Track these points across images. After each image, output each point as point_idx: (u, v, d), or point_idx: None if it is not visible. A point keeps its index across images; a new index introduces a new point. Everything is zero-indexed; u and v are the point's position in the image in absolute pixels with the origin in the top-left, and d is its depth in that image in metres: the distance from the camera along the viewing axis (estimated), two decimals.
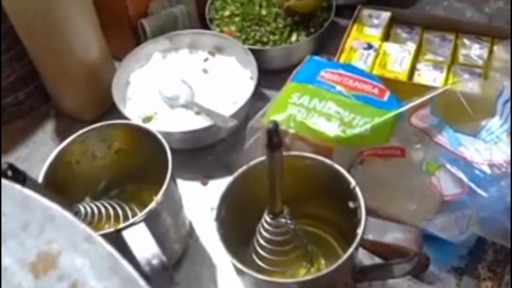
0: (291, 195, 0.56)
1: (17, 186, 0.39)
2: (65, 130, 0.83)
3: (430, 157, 0.62)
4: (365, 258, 0.64)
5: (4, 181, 0.39)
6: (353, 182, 0.55)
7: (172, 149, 0.61)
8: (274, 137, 0.46)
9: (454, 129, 0.62)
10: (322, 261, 0.63)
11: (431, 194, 0.61)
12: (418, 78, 0.74)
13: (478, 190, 0.58)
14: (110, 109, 0.82)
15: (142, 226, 0.55)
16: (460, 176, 0.59)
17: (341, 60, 0.77)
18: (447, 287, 0.63)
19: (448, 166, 0.60)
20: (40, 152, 0.82)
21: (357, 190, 0.54)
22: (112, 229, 0.55)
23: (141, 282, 0.35)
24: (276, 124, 0.45)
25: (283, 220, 0.55)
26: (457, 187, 0.60)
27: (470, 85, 0.64)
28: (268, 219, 0.55)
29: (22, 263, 0.35)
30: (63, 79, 0.80)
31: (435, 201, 0.62)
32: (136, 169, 0.69)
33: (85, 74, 0.80)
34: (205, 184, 0.75)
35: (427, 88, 0.71)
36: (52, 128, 0.85)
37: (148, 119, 0.77)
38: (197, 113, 0.76)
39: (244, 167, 0.58)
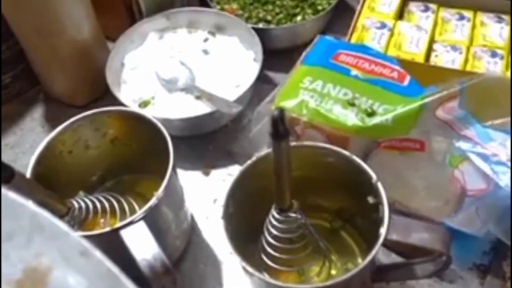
0: (302, 187, 0.51)
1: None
2: (55, 116, 0.78)
3: (454, 148, 0.57)
4: (381, 255, 0.60)
5: None
6: (374, 177, 0.50)
7: (170, 137, 0.56)
8: (280, 126, 0.41)
9: (483, 125, 0.56)
10: (335, 259, 0.58)
11: (453, 189, 0.57)
12: (435, 60, 0.69)
13: (507, 189, 0.53)
14: (104, 93, 0.76)
15: (142, 225, 0.50)
16: (487, 171, 0.54)
17: (353, 40, 0.71)
18: (469, 286, 0.59)
19: (474, 159, 0.55)
20: (28, 139, 0.77)
21: (379, 185, 0.49)
22: (109, 229, 0.50)
23: None
24: (282, 111, 0.40)
25: (292, 215, 0.50)
26: (482, 182, 0.55)
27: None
28: (276, 215, 0.50)
29: (6, 281, 0.30)
30: (52, 61, 0.75)
31: (456, 196, 0.57)
32: (132, 159, 0.64)
33: (76, 56, 0.74)
34: (207, 174, 0.70)
35: (447, 71, 0.66)
36: (41, 114, 0.80)
37: (144, 104, 0.71)
38: (198, 97, 0.71)
39: (252, 159, 0.53)
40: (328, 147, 0.53)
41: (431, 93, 0.58)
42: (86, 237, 0.51)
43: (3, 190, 0.34)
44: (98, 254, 0.31)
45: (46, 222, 0.33)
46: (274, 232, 0.51)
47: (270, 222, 0.51)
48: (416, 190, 0.59)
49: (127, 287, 0.30)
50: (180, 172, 0.68)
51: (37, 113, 0.80)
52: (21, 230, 0.32)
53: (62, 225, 0.32)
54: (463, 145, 0.57)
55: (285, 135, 0.42)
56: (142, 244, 0.49)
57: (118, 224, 0.50)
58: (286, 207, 0.49)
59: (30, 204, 0.33)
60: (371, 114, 0.58)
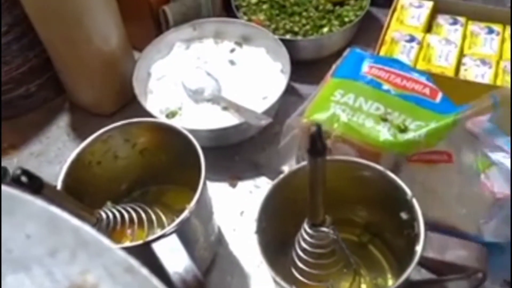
0: (332, 200, 0.51)
1: (40, 202, 0.33)
2: (81, 125, 0.78)
3: (481, 154, 0.56)
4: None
5: (20, 193, 0.34)
6: (409, 193, 0.49)
7: None
8: (318, 142, 0.40)
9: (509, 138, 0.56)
10: (364, 274, 0.57)
11: (482, 195, 0.56)
12: (465, 73, 0.68)
13: None
14: (129, 103, 0.76)
15: (174, 238, 0.50)
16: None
17: (381, 53, 0.71)
18: None
19: (501, 164, 0.55)
20: (54, 147, 0.77)
21: (414, 201, 0.49)
22: (141, 242, 0.50)
23: None
24: (320, 127, 0.40)
25: (325, 230, 0.50)
26: (509, 187, 0.55)
27: None
28: (309, 230, 0.50)
29: None
30: (79, 70, 0.75)
31: (486, 202, 0.56)
32: (161, 170, 0.64)
33: (103, 65, 0.74)
34: (233, 186, 0.70)
35: (478, 86, 0.66)
36: (67, 122, 0.80)
37: (172, 114, 0.71)
38: (225, 108, 0.71)
39: (284, 173, 0.53)
40: (361, 162, 0.52)
41: (464, 110, 0.57)
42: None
43: (43, 203, 0.34)
44: (144, 271, 0.31)
45: (89, 237, 0.32)
46: (305, 246, 0.50)
47: (302, 236, 0.51)
48: (445, 201, 0.58)
49: None
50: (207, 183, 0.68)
51: (62, 122, 0.80)
52: (65, 245, 0.32)
53: (105, 240, 0.32)
54: (490, 151, 0.56)
55: (323, 151, 0.41)
56: (174, 257, 0.49)
57: (151, 237, 0.50)
58: (319, 222, 0.49)
59: (72, 219, 0.33)
60: (404, 130, 0.57)
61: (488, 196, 0.56)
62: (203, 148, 0.70)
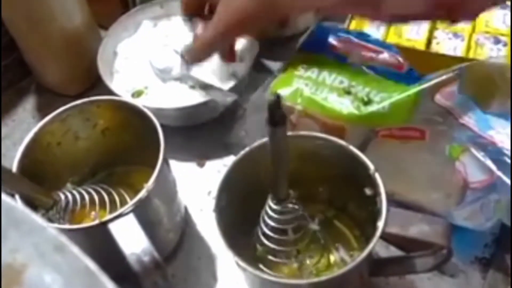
0: (298, 179, 0.50)
1: None
2: (47, 106, 0.76)
3: (454, 139, 0.55)
4: (379, 248, 0.58)
5: None
6: (372, 167, 0.48)
7: (164, 127, 0.54)
8: (277, 112, 0.39)
9: (484, 110, 0.54)
10: (332, 248, 0.56)
11: (455, 181, 0.55)
12: (436, 47, 0.67)
13: (507, 180, 0.51)
14: (98, 83, 0.74)
15: (131, 218, 0.49)
16: (488, 163, 0.53)
17: (352, 28, 0.69)
18: (471, 280, 0.57)
19: (474, 150, 0.54)
20: (20, 130, 0.75)
21: (377, 176, 0.47)
22: (96, 222, 0.48)
23: None
24: (278, 96, 0.38)
25: (289, 205, 0.48)
26: (484, 174, 0.53)
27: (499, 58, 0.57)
28: (273, 205, 0.48)
29: None
30: (43, 50, 0.73)
31: (459, 189, 0.55)
32: (124, 150, 0.62)
33: (68, 44, 0.72)
34: (201, 165, 0.68)
35: (448, 59, 0.64)
36: (33, 104, 0.78)
37: (137, 94, 0.69)
38: (192, 87, 0.69)
39: (245, 149, 0.51)
40: (323, 137, 0.51)
41: (429, 79, 0.56)
42: (73, 230, 0.50)
43: None
44: (75, 249, 0.29)
45: (22, 217, 0.31)
46: (271, 223, 0.49)
47: (267, 213, 0.49)
48: (417, 181, 0.57)
49: (106, 285, 0.29)
50: (173, 163, 0.66)
51: (29, 104, 0.78)
52: None
53: (39, 219, 0.31)
54: (463, 134, 0.55)
55: (282, 121, 0.40)
56: (131, 238, 0.48)
57: (107, 217, 0.49)
58: (283, 197, 0.48)
59: (6, 199, 0.31)
60: (367, 102, 0.56)
61: (461, 182, 0.55)
62: (170, 127, 0.68)
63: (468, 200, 0.54)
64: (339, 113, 0.55)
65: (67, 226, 0.50)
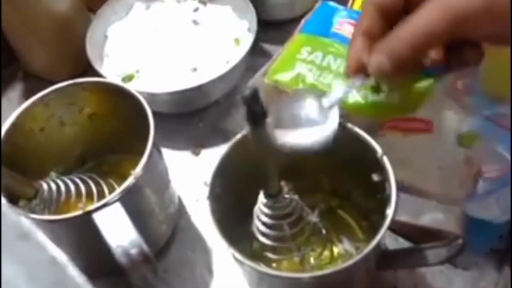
0: (299, 168, 0.46)
1: None
2: (35, 94, 0.72)
3: (465, 127, 0.51)
4: (387, 239, 0.54)
5: None
6: (379, 151, 0.44)
7: (158, 114, 0.51)
8: (255, 107, 0.35)
9: (497, 103, 0.50)
10: (336, 240, 0.53)
11: (468, 172, 0.51)
12: None
13: None
14: (88, 69, 0.70)
15: (118, 207, 0.45)
16: (502, 151, 0.49)
17: (356, 7, 0.65)
18: (485, 273, 0.53)
19: (488, 137, 0.50)
20: (5, 119, 0.71)
21: (385, 160, 0.44)
22: (80, 212, 0.45)
23: None
24: (255, 91, 0.34)
25: (283, 199, 0.44)
26: (499, 162, 0.49)
27: None
28: (266, 202, 0.44)
29: None
30: (29, 34, 0.69)
31: (472, 178, 0.51)
32: (114, 138, 0.59)
33: (55, 28, 0.68)
34: (196, 154, 0.64)
35: None
36: (20, 91, 0.74)
37: (128, 78, 0.66)
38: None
39: (240, 134, 0.47)
40: None
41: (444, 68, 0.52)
42: (55, 221, 0.46)
43: None
44: (40, 238, 0.25)
45: None
46: (264, 219, 0.45)
47: (260, 209, 0.45)
48: (426, 173, 0.53)
49: (75, 280, 0.25)
50: (167, 151, 0.63)
51: (15, 92, 0.74)
52: None
53: (3, 207, 0.27)
54: (474, 121, 0.51)
55: (262, 117, 0.36)
56: (117, 229, 0.44)
57: (91, 207, 0.45)
58: (275, 193, 0.44)
59: None
60: (375, 90, 0.52)
61: (475, 172, 0.51)
62: (164, 115, 0.64)
63: (483, 191, 0.50)
64: (345, 101, 0.51)
65: (48, 217, 0.46)
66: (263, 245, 0.47)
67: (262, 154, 0.40)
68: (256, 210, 0.46)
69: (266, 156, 0.40)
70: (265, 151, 0.39)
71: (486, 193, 0.51)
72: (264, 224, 0.45)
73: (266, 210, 0.45)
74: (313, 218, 0.48)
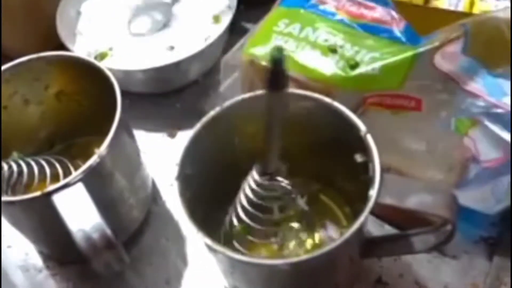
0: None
1: None
2: None
3: (461, 111, 0.48)
4: (372, 226, 0.51)
5: None
6: (363, 129, 0.41)
7: (133, 94, 0.48)
8: (280, 72, 0.31)
9: (494, 74, 0.47)
10: (320, 229, 0.50)
11: (463, 160, 0.48)
12: (436, 3, 0.60)
13: None
14: (61, 48, 0.67)
15: (80, 188, 0.41)
16: (503, 135, 0.46)
17: None
18: (476, 262, 0.50)
19: (487, 122, 0.46)
20: None
21: (369, 138, 0.40)
22: (38, 193, 0.41)
23: None
24: (281, 52, 0.30)
25: (278, 181, 0.41)
26: (498, 151, 0.46)
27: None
28: (259, 179, 0.41)
29: None
30: None
31: (462, 162, 0.48)
32: (85, 118, 0.55)
33: (24, 4, 0.64)
34: (173, 136, 0.61)
35: (449, 15, 0.57)
36: None
37: (101, 56, 0.62)
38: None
39: (214, 110, 0.44)
40: (304, 94, 0.43)
41: (429, 41, 0.49)
42: (12, 203, 0.42)
43: None
44: None
45: None
46: (254, 199, 0.42)
47: (250, 187, 0.42)
48: (413, 156, 0.50)
49: None
50: (142, 133, 0.60)
51: None
52: None
53: None
54: (471, 105, 0.47)
55: (285, 83, 0.33)
56: (78, 212, 0.40)
57: (51, 187, 0.41)
58: (272, 171, 0.40)
59: None
60: (355, 64, 0.48)
61: (471, 161, 0.48)
62: (139, 94, 0.61)
63: (478, 180, 0.47)
64: (321, 74, 0.47)
65: (5, 198, 0.43)
66: (243, 227, 0.44)
67: (273, 126, 0.36)
68: (243, 187, 0.42)
69: (276, 129, 0.36)
70: (276, 123, 0.36)
71: (480, 182, 0.48)
72: (251, 204, 0.42)
73: (257, 189, 0.41)
74: (303, 205, 0.45)
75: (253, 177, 0.42)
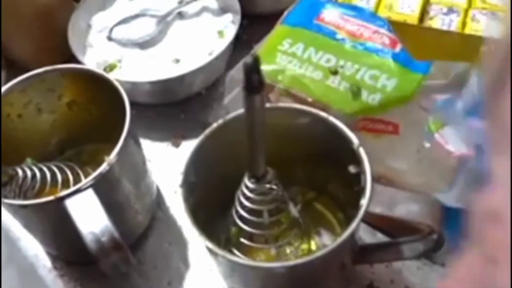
0: (274, 159, 0.45)
1: None
2: None
3: (434, 117, 0.51)
4: (365, 234, 0.54)
5: None
6: (356, 141, 0.44)
7: (139, 105, 0.51)
8: (254, 76, 0.34)
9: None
10: (315, 236, 0.52)
11: (439, 157, 0.50)
12: (430, 22, 0.62)
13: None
14: (70, 59, 0.70)
15: (90, 194, 0.44)
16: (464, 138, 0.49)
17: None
18: None
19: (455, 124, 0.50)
20: None
21: (361, 151, 0.43)
22: (52, 197, 0.44)
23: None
24: (256, 58, 0.33)
25: (267, 185, 0.44)
26: (465, 146, 0.49)
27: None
28: (249, 184, 0.44)
29: None
30: (10, 22, 0.68)
31: (445, 167, 0.51)
32: (94, 126, 0.58)
33: (38, 15, 0.68)
34: (177, 145, 0.64)
35: (442, 35, 0.60)
36: (2, 80, 0.73)
37: (110, 67, 0.65)
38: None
39: (218, 121, 0.47)
40: (302, 109, 0.46)
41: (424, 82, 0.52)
42: (26, 206, 0.45)
43: None
44: None
45: None
46: (246, 203, 0.44)
47: (242, 192, 0.44)
48: (401, 172, 0.53)
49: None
50: (148, 142, 0.63)
51: None
52: None
53: None
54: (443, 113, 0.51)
55: (260, 87, 0.35)
56: (89, 215, 0.43)
57: (63, 192, 0.44)
58: (260, 175, 0.43)
59: None
60: (357, 91, 0.51)
61: (445, 155, 0.50)
62: (146, 105, 0.64)
63: (456, 178, 0.50)
64: (323, 95, 0.50)
65: (20, 202, 0.45)
66: (240, 231, 0.46)
67: (252, 129, 0.38)
68: (238, 193, 0.45)
69: (256, 132, 0.38)
70: (256, 126, 0.38)
71: (460, 182, 0.50)
72: (244, 208, 0.45)
73: (248, 193, 0.44)
74: (294, 211, 0.48)
75: (244, 182, 0.44)
